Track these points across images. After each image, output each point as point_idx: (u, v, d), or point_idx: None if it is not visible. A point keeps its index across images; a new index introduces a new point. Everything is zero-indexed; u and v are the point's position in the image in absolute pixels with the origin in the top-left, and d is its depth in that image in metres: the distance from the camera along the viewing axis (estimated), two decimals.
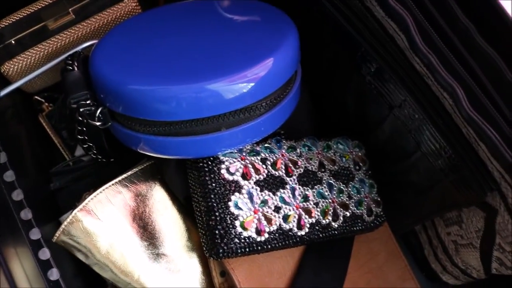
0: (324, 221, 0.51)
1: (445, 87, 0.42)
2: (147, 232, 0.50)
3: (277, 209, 0.48)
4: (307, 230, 0.49)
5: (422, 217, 0.58)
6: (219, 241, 0.45)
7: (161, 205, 0.52)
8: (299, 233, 0.49)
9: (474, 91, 0.42)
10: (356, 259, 0.57)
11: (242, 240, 0.45)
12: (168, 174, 0.51)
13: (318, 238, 0.50)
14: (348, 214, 0.53)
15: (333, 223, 0.51)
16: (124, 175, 0.51)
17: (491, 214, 0.48)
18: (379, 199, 0.56)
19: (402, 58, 0.46)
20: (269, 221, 0.47)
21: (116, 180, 0.50)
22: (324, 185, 0.52)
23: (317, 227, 0.50)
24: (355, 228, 0.53)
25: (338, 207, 0.52)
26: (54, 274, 0.47)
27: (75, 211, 0.48)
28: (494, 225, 0.48)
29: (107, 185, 0.50)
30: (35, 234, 0.47)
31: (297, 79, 0.50)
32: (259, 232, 0.46)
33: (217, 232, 0.45)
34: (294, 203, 0.49)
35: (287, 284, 0.52)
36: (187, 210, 0.53)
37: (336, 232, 0.52)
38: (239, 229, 0.45)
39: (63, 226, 0.48)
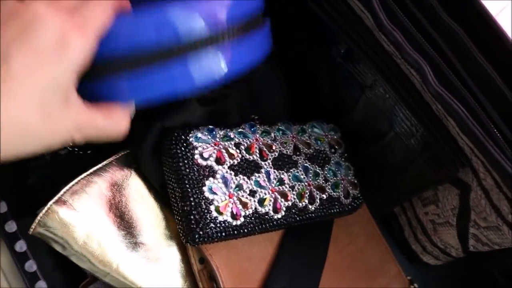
0: (300, 204, 0.51)
1: (412, 63, 0.42)
2: (124, 221, 0.50)
3: (252, 193, 0.48)
4: (283, 213, 0.50)
5: (400, 198, 0.58)
6: (194, 226, 0.45)
7: (137, 194, 0.52)
8: (275, 217, 0.49)
9: (440, 67, 0.43)
10: (336, 243, 0.57)
11: (218, 225, 0.46)
12: (143, 162, 0.51)
13: (295, 221, 0.51)
14: (324, 196, 0.53)
15: (309, 206, 0.51)
16: (99, 165, 0.51)
17: (465, 191, 0.49)
18: (356, 181, 0.57)
19: (371, 38, 0.47)
20: (244, 205, 0.47)
21: (91, 170, 0.50)
22: (300, 169, 0.52)
23: (293, 210, 0.50)
24: (332, 211, 0.54)
25: (315, 190, 0.52)
26: (31, 266, 0.47)
27: (50, 202, 0.48)
28: (468, 201, 0.49)
29: (81, 176, 0.50)
30: (10, 227, 0.47)
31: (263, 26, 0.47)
32: (234, 216, 0.46)
33: (192, 217, 0.45)
34: (270, 186, 0.49)
35: (267, 269, 0.52)
36: (164, 199, 0.53)
37: (313, 215, 0.52)
38: (214, 214, 0.45)
39: (38, 217, 0.48)
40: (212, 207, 0.45)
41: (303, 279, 0.53)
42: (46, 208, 0.48)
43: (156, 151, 0.50)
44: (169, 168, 0.48)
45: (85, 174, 0.50)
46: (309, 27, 0.54)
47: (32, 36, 0.33)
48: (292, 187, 0.51)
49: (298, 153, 0.53)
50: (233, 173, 0.48)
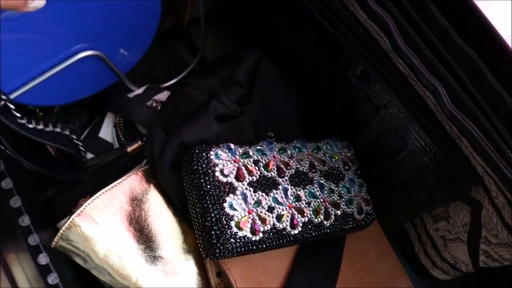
0: (316, 220, 0.52)
1: (428, 86, 0.44)
2: (143, 235, 0.52)
3: (270, 209, 0.49)
4: (300, 229, 0.51)
5: (411, 214, 0.60)
6: (215, 241, 0.46)
7: (156, 208, 0.53)
8: (292, 232, 0.50)
9: (455, 89, 0.44)
10: (348, 258, 0.59)
11: (238, 240, 0.47)
12: (162, 177, 0.52)
13: (311, 237, 0.52)
14: (339, 213, 0.54)
15: (325, 222, 0.53)
16: (119, 180, 0.52)
17: (477, 208, 0.50)
18: (368, 198, 0.58)
19: (386, 60, 0.48)
20: (263, 221, 0.49)
21: (112, 185, 0.52)
22: (315, 185, 0.54)
23: (309, 226, 0.52)
24: (346, 226, 0.55)
25: (330, 206, 0.54)
26: (53, 278, 0.48)
27: (72, 216, 0.49)
28: (480, 218, 0.50)
29: (103, 190, 0.51)
30: (33, 240, 0.48)
31: None
32: (254, 231, 0.48)
33: (213, 232, 0.46)
34: (287, 203, 0.51)
35: (282, 283, 0.53)
36: (182, 213, 0.54)
37: (328, 230, 0.53)
38: (234, 229, 0.47)
39: (61, 231, 0.49)
40: (232, 223, 0.47)
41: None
42: (68, 222, 0.49)
43: (175, 167, 0.51)
44: (190, 184, 0.49)
45: (106, 189, 0.51)
46: (324, 47, 0.56)
47: None
48: (308, 203, 0.52)
49: (313, 170, 0.55)
50: (252, 189, 0.49)
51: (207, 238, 0.47)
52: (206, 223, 0.47)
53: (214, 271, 0.52)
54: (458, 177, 0.48)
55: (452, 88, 0.44)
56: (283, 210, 0.50)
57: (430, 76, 0.44)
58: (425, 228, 0.60)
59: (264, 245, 0.48)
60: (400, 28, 0.45)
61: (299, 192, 0.52)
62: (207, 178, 0.48)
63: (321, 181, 0.54)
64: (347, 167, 0.58)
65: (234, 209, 0.47)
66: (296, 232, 0.50)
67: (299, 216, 0.51)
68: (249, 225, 0.47)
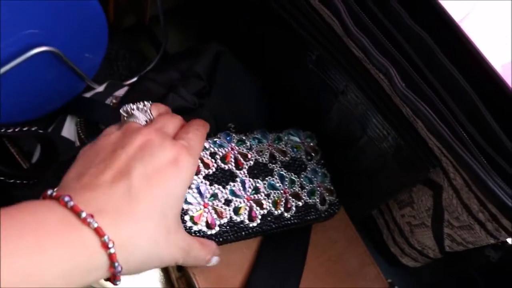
0: (276, 212, 0.51)
1: (380, 68, 0.43)
2: None
3: (227, 202, 0.49)
4: (258, 221, 0.50)
5: (376, 201, 0.59)
6: None
7: None
8: (251, 225, 0.49)
9: (407, 70, 0.44)
10: (314, 248, 0.58)
11: (193, 235, 0.46)
12: None
13: (271, 229, 0.51)
14: (300, 204, 0.53)
15: (285, 214, 0.52)
16: None
17: (437, 191, 0.50)
18: (332, 188, 0.57)
19: (341, 45, 0.48)
20: (219, 214, 0.48)
21: None
22: (275, 177, 0.53)
23: (269, 218, 0.51)
24: (308, 217, 0.54)
25: (290, 197, 0.53)
26: None
27: None
28: (441, 201, 0.50)
29: None
30: None
31: None
32: (209, 225, 0.47)
33: None
34: (245, 195, 0.50)
35: (245, 276, 0.52)
36: None
37: (289, 222, 0.52)
38: (189, 224, 0.46)
39: None
40: (187, 217, 0.46)
41: (282, 285, 0.53)
42: None
43: None
44: None
45: None
46: (283, 35, 0.55)
47: (153, 155, 0.39)
48: (268, 195, 0.51)
49: (274, 161, 0.54)
50: (208, 182, 0.48)
51: None
52: None
53: (174, 265, 0.51)
54: (416, 160, 0.48)
55: (404, 69, 0.44)
56: (240, 202, 0.49)
57: (381, 58, 0.43)
58: (392, 215, 0.59)
59: (221, 239, 0.47)
60: (350, 11, 0.45)
61: (258, 184, 0.51)
62: None
63: (281, 172, 0.53)
64: (309, 157, 0.57)
65: (189, 203, 0.46)
66: (255, 224, 0.50)
67: (258, 208, 0.50)
68: (204, 219, 0.46)
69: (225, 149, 0.51)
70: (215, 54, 0.62)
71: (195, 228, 0.46)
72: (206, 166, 0.49)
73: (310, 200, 0.54)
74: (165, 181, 0.38)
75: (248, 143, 0.53)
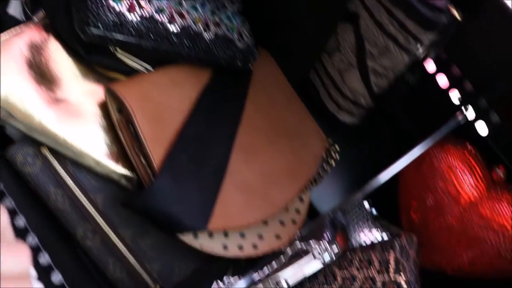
0: (195, 27, 0.54)
1: None
2: (45, 79, 0.53)
3: (150, 1, 0.51)
4: (178, 30, 0.52)
5: (308, 55, 0.62)
6: (91, 9, 0.47)
7: (56, 55, 0.55)
8: (170, 29, 0.51)
9: None
10: (254, 103, 0.60)
11: (114, 15, 0.48)
12: (57, 19, 0.54)
13: (188, 47, 0.53)
14: (220, 32, 0.56)
15: (204, 33, 0.54)
16: (19, 30, 0.54)
17: (356, 22, 0.53)
18: (251, 34, 0.60)
19: None
20: (141, 6, 0.50)
21: (13, 33, 0.54)
22: (198, 2, 0.55)
23: (188, 32, 0.53)
24: (227, 51, 0.56)
25: (210, 22, 0.56)
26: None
27: None
28: (360, 31, 0.53)
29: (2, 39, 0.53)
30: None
31: None
32: (130, 10, 0.49)
33: (89, 1, 0.47)
34: (167, 3, 0.52)
35: (184, 119, 0.54)
36: (82, 59, 0.56)
37: (209, 46, 0.55)
38: (112, 3, 0.48)
39: None
40: None
41: (219, 126, 0.56)
42: None
43: (69, 9, 0.53)
44: None
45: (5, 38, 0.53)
46: None
47: None
48: (188, 12, 0.54)
49: None
50: None
51: (84, 6, 0.48)
52: None
53: (115, 107, 0.53)
54: None
55: None
56: (163, 6, 0.51)
57: None
58: (326, 70, 0.62)
59: (141, 32, 0.49)
60: None
61: (182, 1, 0.54)
62: None
63: (203, 1, 0.56)
64: (231, 2, 0.60)
65: None
66: (174, 30, 0.52)
67: (178, 16, 0.52)
68: (127, 3, 0.49)
69: None
70: None
71: (117, 8, 0.48)
72: None
73: (229, 34, 0.57)
74: None
75: None
